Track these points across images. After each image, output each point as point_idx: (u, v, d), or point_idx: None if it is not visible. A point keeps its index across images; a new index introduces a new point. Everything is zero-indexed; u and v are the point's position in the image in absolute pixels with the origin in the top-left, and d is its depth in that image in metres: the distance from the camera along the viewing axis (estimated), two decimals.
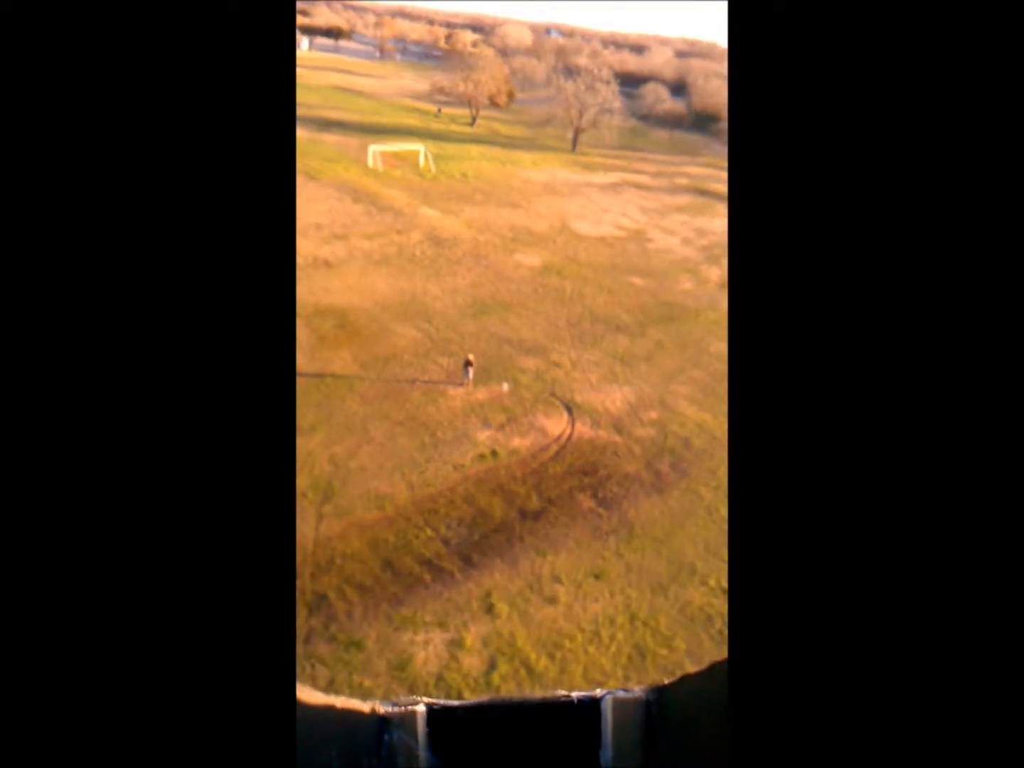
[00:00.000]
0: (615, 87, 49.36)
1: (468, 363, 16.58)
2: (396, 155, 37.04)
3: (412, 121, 48.95)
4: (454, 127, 50.67)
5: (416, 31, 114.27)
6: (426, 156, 36.98)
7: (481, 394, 16.21)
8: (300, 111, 50.89)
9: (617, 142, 49.64)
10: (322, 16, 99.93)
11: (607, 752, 1.27)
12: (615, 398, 16.80)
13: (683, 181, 42.41)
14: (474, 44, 58.40)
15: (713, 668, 1.06)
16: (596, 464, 14.24)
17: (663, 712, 1.26)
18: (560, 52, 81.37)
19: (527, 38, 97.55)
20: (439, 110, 55.04)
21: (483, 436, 14.69)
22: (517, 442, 14.63)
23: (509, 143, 47.82)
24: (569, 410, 16.02)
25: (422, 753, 1.27)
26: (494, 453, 14.21)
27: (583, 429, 15.38)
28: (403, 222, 27.61)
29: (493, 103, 57.44)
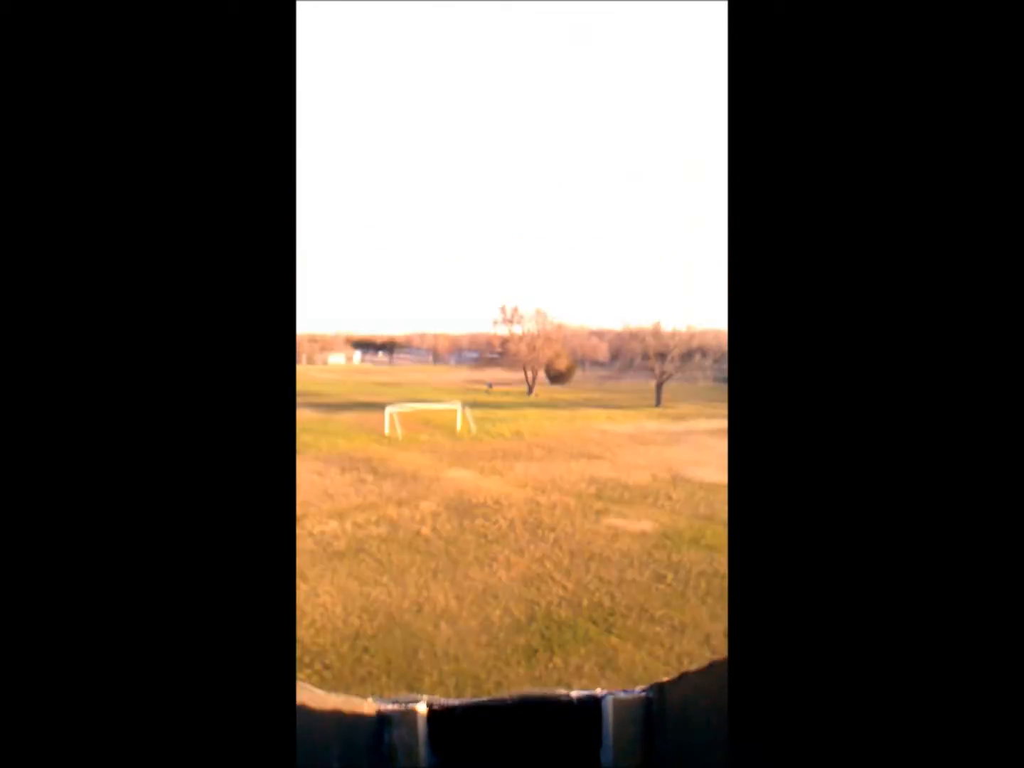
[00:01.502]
0: (693, 332, 41.42)
1: None
2: (424, 419, 27.75)
3: (457, 398, 41.03)
4: (507, 399, 42.32)
5: (473, 342, 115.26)
6: (464, 416, 27.51)
7: None
8: (319, 399, 44.12)
9: (709, 395, 40.18)
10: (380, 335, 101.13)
11: (607, 752, 1.26)
12: None
13: None
14: (531, 314, 53.05)
15: (713, 667, 1.07)
16: None
17: (663, 711, 1.25)
18: (617, 336, 77.30)
19: (584, 329, 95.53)
20: (490, 386, 47.53)
21: None
22: None
23: (575, 405, 38.75)
24: None
25: (422, 752, 1.26)
26: None
27: None
28: (411, 489, 16.74)
29: (553, 373, 50.08)
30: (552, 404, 38.65)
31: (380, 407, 30.29)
